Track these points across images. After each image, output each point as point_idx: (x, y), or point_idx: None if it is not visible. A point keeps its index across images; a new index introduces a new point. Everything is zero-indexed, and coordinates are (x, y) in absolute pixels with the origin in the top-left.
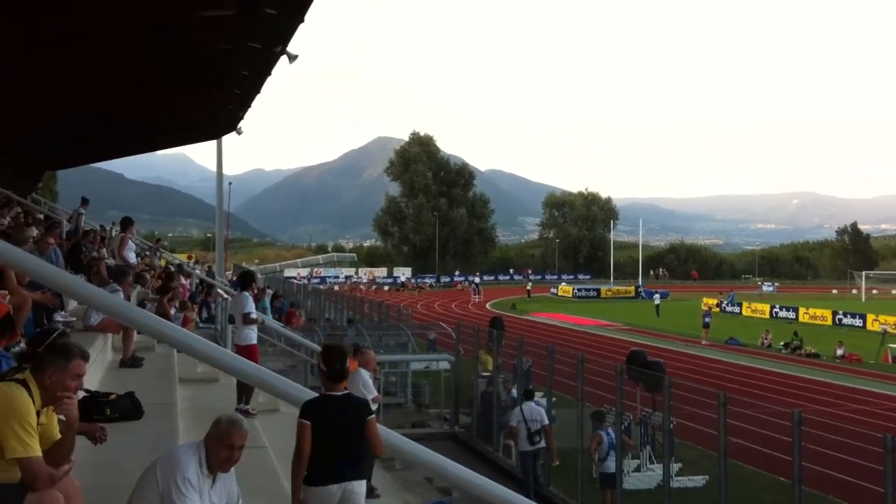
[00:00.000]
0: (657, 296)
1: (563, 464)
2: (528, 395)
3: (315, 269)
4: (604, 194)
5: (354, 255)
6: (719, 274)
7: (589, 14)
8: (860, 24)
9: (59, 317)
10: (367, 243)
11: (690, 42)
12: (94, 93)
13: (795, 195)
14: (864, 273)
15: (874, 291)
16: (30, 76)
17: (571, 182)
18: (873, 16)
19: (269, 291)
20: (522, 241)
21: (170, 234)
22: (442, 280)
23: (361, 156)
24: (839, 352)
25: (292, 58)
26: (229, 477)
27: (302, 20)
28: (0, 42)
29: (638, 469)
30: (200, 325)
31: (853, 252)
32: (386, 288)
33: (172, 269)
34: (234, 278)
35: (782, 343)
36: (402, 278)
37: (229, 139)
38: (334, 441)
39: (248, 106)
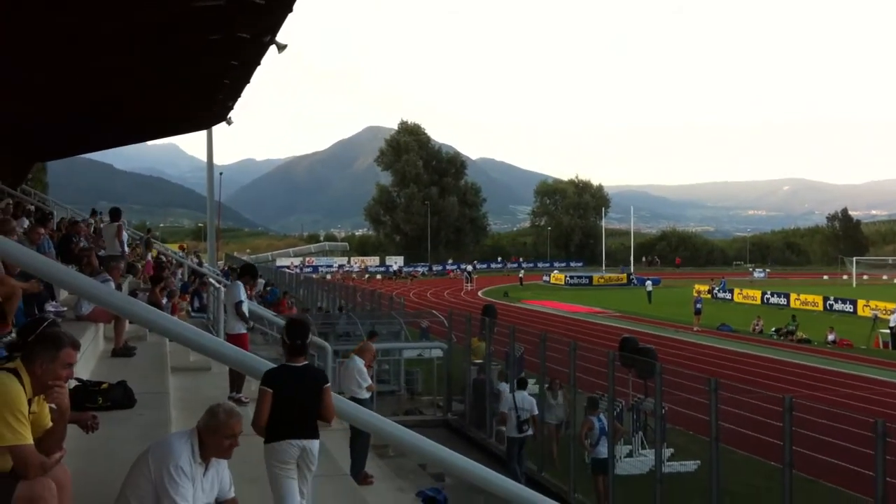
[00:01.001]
0: (649, 283)
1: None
2: (520, 385)
3: (307, 259)
4: (595, 182)
5: (346, 244)
6: (710, 261)
7: (586, 10)
8: (856, 22)
9: (50, 307)
10: (358, 232)
11: (690, 42)
12: (83, 84)
13: (786, 182)
14: (854, 259)
15: (865, 277)
16: (18, 68)
17: (563, 170)
18: (868, 13)
19: (261, 280)
20: (514, 229)
21: (161, 225)
22: (434, 269)
23: (352, 145)
24: (830, 337)
25: (281, 47)
26: (221, 465)
27: (290, 10)
28: None
29: (630, 454)
30: (192, 314)
31: (844, 238)
32: (378, 277)
33: (164, 259)
34: (226, 268)
35: (774, 329)
36: (395, 267)
37: (220, 129)
38: (294, 405)
39: (238, 96)
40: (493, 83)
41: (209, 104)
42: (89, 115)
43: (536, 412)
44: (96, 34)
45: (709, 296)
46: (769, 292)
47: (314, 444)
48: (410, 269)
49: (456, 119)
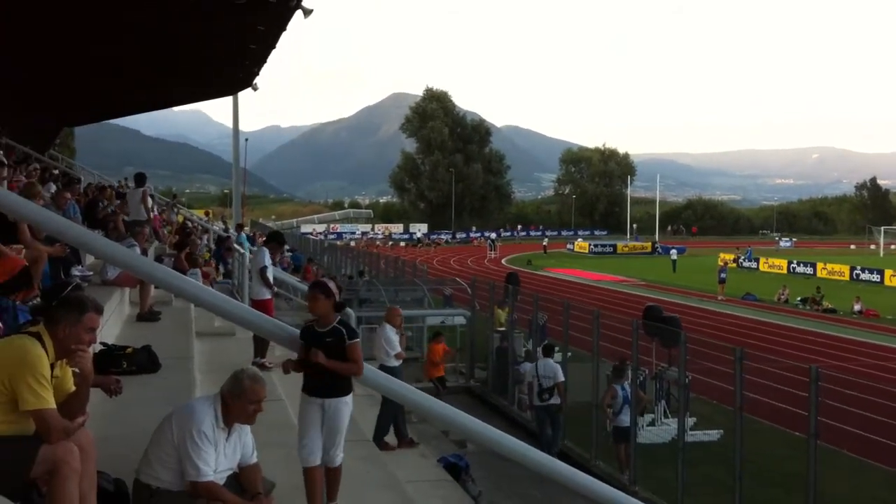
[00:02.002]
0: (674, 251)
1: (577, 418)
2: (546, 352)
3: (332, 226)
4: (621, 150)
5: (371, 211)
6: (737, 230)
7: None
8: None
9: (76, 271)
10: (383, 199)
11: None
12: (112, 50)
13: (815, 150)
14: (882, 228)
15: (892, 247)
16: (47, 33)
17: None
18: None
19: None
20: (539, 197)
21: (187, 191)
22: (458, 236)
23: (377, 112)
24: (857, 307)
25: (307, 12)
26: (244, 430)
27: None
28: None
29: (653, 423)
30: (218, 280)
31: (872, 207)
32: (402, 244)
33: (189, 225)
34: (252, 234)
35: (799, 298)
36: (419, 234)
37: (245, 95)
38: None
39: (264, 61)
40: (519, 50)
41: (235, 69)
42: (116, 80)
43: (561, 379)
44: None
45: (734, 265)
46: (795, 262)
47: (339, 402)
48: (434, 236)
49: (481, 86)
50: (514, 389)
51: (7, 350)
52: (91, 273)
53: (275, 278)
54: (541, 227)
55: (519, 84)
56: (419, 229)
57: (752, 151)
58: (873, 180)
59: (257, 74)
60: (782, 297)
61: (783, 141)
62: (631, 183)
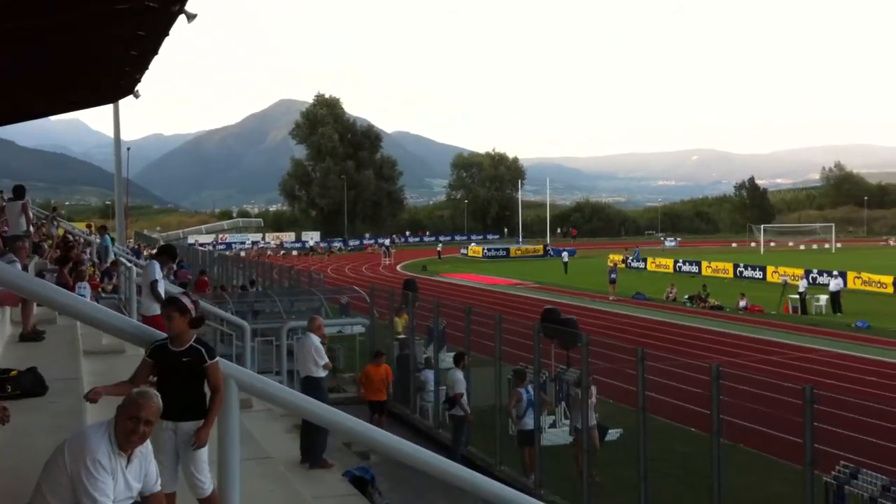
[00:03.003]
0: (565, 253)
1: (481, 423)
2: (456, 361)
3: (220, 236)
4: (510, 154)
5: (261, 220)
6: (623, 231)
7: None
8: None
9: None
10: (273, 208)
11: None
12: None
13: (694, 152)
14: (762, 227)
15: (772, 244)
16: None
17: (478, 143)
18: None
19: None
20: (431, 202)
21: (67, 203)
22: (349, 243)
23: (264, 119)
24: (742, 303)
25: (191, 17)
26: (147, 457)
27: None
28: None
29: (553, 425)
30: (103, 295)
31: (751, 206)
32: (294, 253)
33: (71, 239)
34: (136, 247)
35: (686, 296)
36: (311, 242)
37: (126, 103)
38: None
39: (146, 68)
40: (405, 55)
41: (116, 76)
42: None
43: (460, 391)
44: None
45: (623, 265)
46: (681, 261)
47: (190, 426)
48: (326, 244)
49: (369, 92)
50: (415, 397)
51: None
52: None
53: (166, 292)
54: (423, 234)
55: (407, 89)
56: (311, 237)
57: (637, 155)
58: (751, 180)
59: (139, 81)
60: (671, 295)
61: (665, 144)
62: (521, 187)
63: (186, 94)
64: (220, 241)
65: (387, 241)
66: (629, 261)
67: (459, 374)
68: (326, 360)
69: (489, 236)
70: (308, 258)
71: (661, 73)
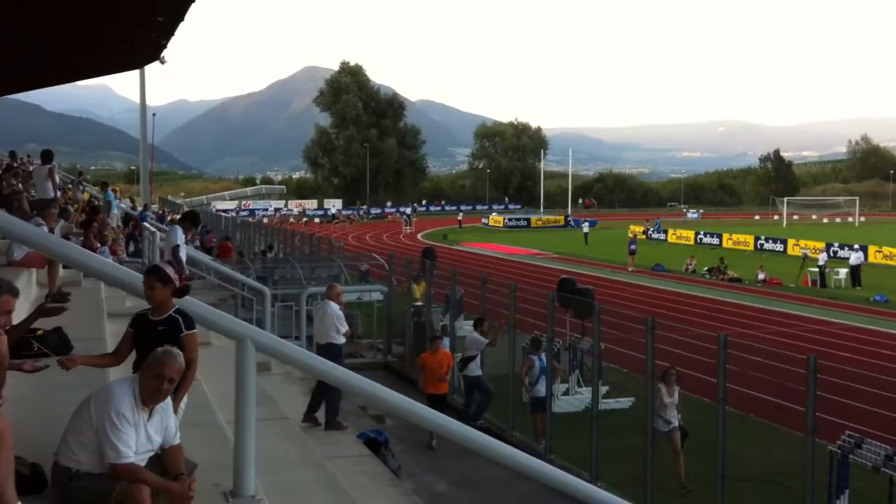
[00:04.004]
0: (585, 224)
1: (494, 391)
2: (475, 326)
3: (243, 202)
4: (534, 124)
5: (284, 187)
6: (646, 202)
7: None
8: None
9: None
10: (296, 175)
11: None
12: (9, 24)
13: (721, 123)
14: (785, 199)
15: (795, 217)
16: None
17: (501, 112)
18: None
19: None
20: (453, 171)
21: (92, 168)
22: (372, 211)
23: (289, 86)
24: (760, 276)
25: None
26: (167, 411)
27: None
28: None
29: (567, 393)
30: (127, 259)
31: (776, 179)
32: (316, 220)
33: (96, 203)
34: (161, 212)
35: (706, 268)
36: (333, 210)
37: (152, 69)
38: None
39: (172, 34)
40: (431, 23)
41: (142, 42)
42: (12, 52)
43: (474, 353)
44: None
45: (644, 237)
46: (702, 233)
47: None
48: (349, 211)
49: (394, 60)
50: None
51: None
52: None
53: (188, 257)
54: (441, 203)
55: (432, 58)
56: (334, 205)
57: (661, 126)
58: (776, 152)
59: (165, 47)
60: (690, 267)
61: (690, 115)
62: (544, 157)
63: (212, 61)
64: (243, 207)
65: (408, 210)
66: (650, 232)
67: (478, 335)
68: (347, 327)
69: (511, 206)
70: (330, 225)
71: (688, 41)
